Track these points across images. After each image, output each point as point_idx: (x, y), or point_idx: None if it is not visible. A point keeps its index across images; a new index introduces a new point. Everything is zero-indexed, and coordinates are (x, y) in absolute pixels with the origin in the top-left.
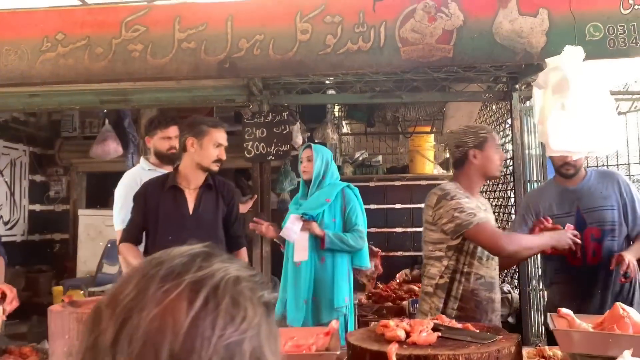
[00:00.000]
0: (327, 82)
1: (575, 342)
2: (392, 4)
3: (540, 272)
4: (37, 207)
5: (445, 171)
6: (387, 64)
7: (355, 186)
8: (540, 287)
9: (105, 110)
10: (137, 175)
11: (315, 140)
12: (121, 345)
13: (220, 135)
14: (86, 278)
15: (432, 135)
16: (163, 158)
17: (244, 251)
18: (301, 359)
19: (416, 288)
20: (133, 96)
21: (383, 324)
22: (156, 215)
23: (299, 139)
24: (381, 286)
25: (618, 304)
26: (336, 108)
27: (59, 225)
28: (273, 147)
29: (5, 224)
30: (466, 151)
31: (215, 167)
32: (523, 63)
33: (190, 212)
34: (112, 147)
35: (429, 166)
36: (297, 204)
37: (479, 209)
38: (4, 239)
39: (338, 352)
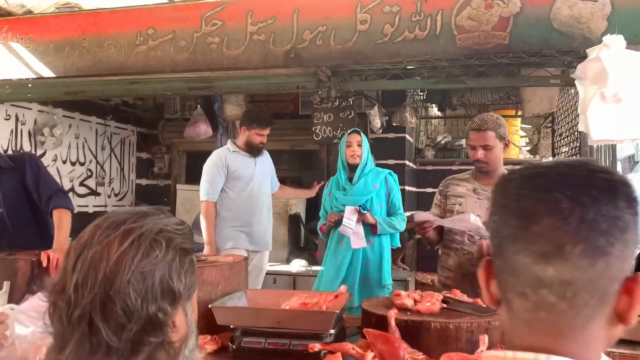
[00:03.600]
0: (392, 68)
1: None
2: None
3: None
4: (143, 182)
5: (532, 156)
6: (442, 51)
7: (437, 170)
8: None
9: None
10: (223, 154)
11: (394, 124)
12: (76, 268)
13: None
14: None
15: (519, 120)
16: (252, 148)
17: None
18: (305, 314)
19: None
20: (216, 83)
21: (396, 293)
22: None
23: (376, 122)
24: None
25: None
26: (419, 92)
27: (161, 198)
28: (339, 131)
29: (116, 195)
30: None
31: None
32: (581, 49)
33: None
34: (203, 129)
35: (514, 150)
36: (340, 188)
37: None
38: (114, 209)
39: (338, 311)
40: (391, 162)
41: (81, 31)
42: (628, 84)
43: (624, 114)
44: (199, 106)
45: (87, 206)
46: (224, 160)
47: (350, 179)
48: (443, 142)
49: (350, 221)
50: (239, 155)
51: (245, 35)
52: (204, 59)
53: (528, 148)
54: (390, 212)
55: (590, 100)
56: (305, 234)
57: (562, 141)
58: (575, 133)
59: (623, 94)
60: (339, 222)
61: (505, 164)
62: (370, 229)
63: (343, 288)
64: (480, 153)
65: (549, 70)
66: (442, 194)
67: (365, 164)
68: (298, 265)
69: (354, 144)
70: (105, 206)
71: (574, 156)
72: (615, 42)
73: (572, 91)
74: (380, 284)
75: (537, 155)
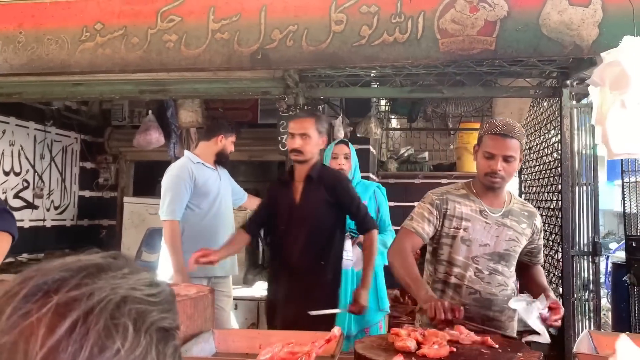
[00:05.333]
0: (365, 74)
1: None
2: None
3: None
4: (87, 194)
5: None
6: (424, 56)
7: (399, 183)
8: (587, 297)
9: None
10: (188, 166)
11: (358, 135)
12: None
13: (291, 125)
14: None
15: None
16: (223, 157)
17: (372, 234)
18: None
19: None
20: (171, 86)
21: (395, 332)
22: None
23: (340, 133)
24: None
25: None
26: (382, 102)
27: (106, 211)
28: None
29: (56, 208)
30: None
31: (293, 157)
32: (572, 57)
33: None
34: (154, 137)
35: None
36: None
37: (429, 217)
38: (54, 223)
39: None
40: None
41: (17, 23)
42: None
43: None
44: (150, 112)
45: (22, 220)
46: (190, 173)
47: None
48: (406, 154)
49: (347, 252)
50: (203, 168)
51: (207, 33)
52: (159, 59)
53: None
54: (378, 229)
55: (608, 109)
56: (263, 251)
57: (531, 155)
58: (551, 147)
59: None
60: None
61: (468, 177)
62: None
63: (337, 330)
64: (499, 164)
65: (528, 80)
66: (440, 210)
67: (353, 177)
68: (262, 288)
69: (340, 156)
70: (44, 220)
71: (550, 170)
72: (635, 44)
73: (545, 104)
74: (376, 308)
75: None
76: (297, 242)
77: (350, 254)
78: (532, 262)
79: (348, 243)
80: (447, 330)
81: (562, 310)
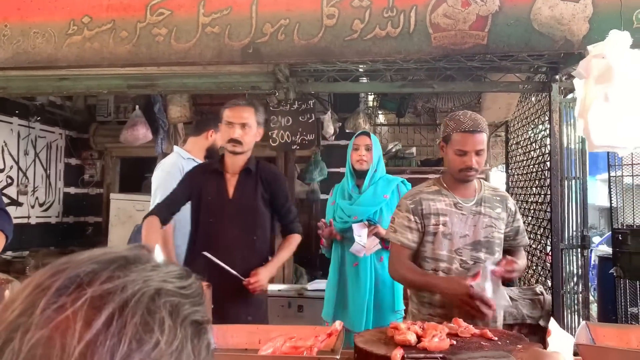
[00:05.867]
0: (355, 69)
1: None
2: None
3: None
4: (72, 190)
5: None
6: (416, 50)
7: None
8: (575, 290)
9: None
10: (178, 162)
11: (346, 130)
12: None
13: (229, 114)
14: None
15: None
16: (213, 152)
17: (294, 237)
18: None
19: None
20: (160, 81)
21: (394, 325)
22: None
23: (330, 128)
24: None
25: None
26: (370, 98)
27: (92, 208)
28: (298, 137)
29: (41, 205)
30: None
31: (230, 148)
32: (563, 52)
33: (230, 196)
34: (142, 133)
35: None
36: (346, 197)
37: (410, 221)
38: (39, 220)
39: (338, 357)
40: (343, 170)
41: (1, 17)
42: (635, 86)
43: (628, 118)
44: (137, 107)
45: None
46: (181, 169)
47: (358, 187)
48: (394, 150)
49: (360, 238)
50: (194, 163)
51: (197, 27)
52: (148, 53)
53: None
54: None
55: (592, 102)
56: None
57: (519, 150)
58: (539, 141)
59: (629, 96)
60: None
61: None
62: (381, 243)
63: (338, 324)
64: (473, 160)
65: (518, 75)
66: (417, 213)
67: (375, 170)
68: None
69: (361, 147)
70: (29, 217)
71: (538, 165)
72: (621, 38)
73: (533, 99)
74: (392, 308)
75: (487, 164)
76: (231, 239)
77: (364, 239)
78: (512, 245)
79: (365, 230)
80: (445, 324)
81: (516, 264)
